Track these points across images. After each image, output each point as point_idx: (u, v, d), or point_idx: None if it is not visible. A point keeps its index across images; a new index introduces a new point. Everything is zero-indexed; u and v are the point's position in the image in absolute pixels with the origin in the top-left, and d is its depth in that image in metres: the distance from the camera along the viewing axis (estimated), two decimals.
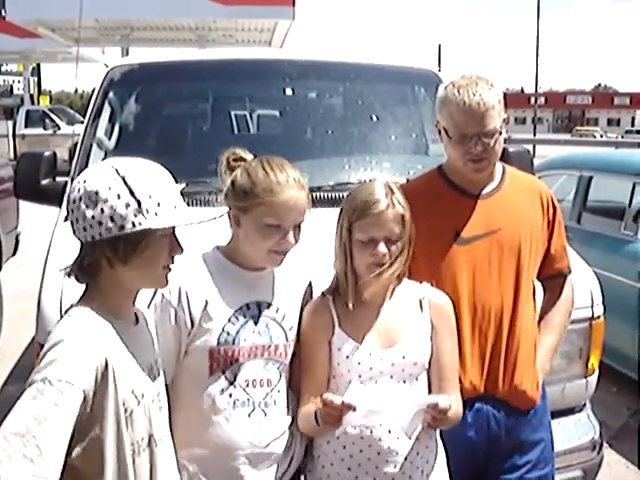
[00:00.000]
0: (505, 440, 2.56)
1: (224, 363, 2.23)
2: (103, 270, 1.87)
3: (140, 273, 1.90)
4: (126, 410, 1.82)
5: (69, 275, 1.90)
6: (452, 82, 2.51)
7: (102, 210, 1.81)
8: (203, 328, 2.21)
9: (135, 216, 1.82)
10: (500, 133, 2.48)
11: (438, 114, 2.56)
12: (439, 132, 2.57)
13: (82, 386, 1.70)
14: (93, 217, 1.81)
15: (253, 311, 2.27)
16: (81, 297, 1.92)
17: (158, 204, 1.84)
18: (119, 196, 1.81)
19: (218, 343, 2.21)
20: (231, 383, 2.24)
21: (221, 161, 2.31)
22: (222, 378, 2.23)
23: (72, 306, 1.90)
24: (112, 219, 1.81)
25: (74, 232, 1.88)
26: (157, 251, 1.89)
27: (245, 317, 2.25)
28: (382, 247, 2.23)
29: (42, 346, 2.65)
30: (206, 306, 2.21)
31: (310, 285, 2.45)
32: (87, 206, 1.82)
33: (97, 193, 1.81)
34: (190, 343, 2.22)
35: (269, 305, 2.30)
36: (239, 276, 2.29)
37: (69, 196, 1.89)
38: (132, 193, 1.82)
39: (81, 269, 1.88)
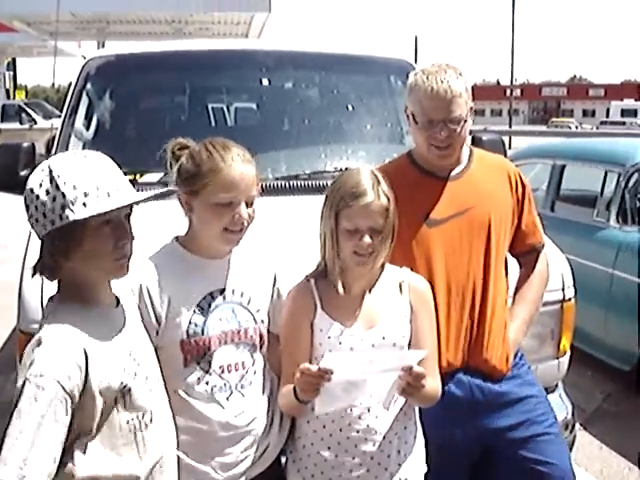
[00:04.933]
0: (490, 403, 2.61)
1: (197, 353, 2.26)
2: (60, 263, 1.88)
3: (88, 266, 1.89)
4: (124, 386, 1.87)
5: (34, 274, 1.92)
6: (422, 69, 2.58)
7: (36, 207, 1.84)
8: (171, 323, 2.25)
9: (62, 209, 1.82)
10: (465, 121, 2.55)
11: (407, 99, 2.63)
12: (407, 117, 2.65)
13: (55, 377, 1.74)
14: (31, 216, 1.86)
15: (217, 299, 2.31)
16: (57, 291, 1.95)
17: (85, 194, 1.83)
18: (47, 191, 1.83)
19: (188, 335, 2.25)
20: (206, 372, 2.28)
21: (167, 153, 2.34)
22: (197, 368, 2.27)
23: (50, 299, 1.95)
24: (44, 215, 1.83)
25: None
26: (97, 242, 1.87)
27: (210, 306, 2.29)
28: (367, 238, 2.26)
29: (24, 333, 2.71)
30: (170, 302, 2.24)
31: (279, 268, 2.48)
32: (28, 205, 1.86)
33: (32, 191, 1.85)
34: (161, 339, 2.25)
35: (233, 290, 2.34)
36: (199, 266, 2.32)
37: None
38: (57, 187, 1.83)
39: (42, 266, 1.90)
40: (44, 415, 1.72)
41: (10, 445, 1.68)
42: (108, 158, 1.96)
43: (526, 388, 2.69)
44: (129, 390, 1.90)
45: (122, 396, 1.88)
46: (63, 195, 1.81)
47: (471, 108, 2.58)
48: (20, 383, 1.75)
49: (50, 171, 1.85)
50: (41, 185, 1.84)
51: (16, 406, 1.73)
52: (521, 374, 2.71)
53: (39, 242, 1.90)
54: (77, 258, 1.86)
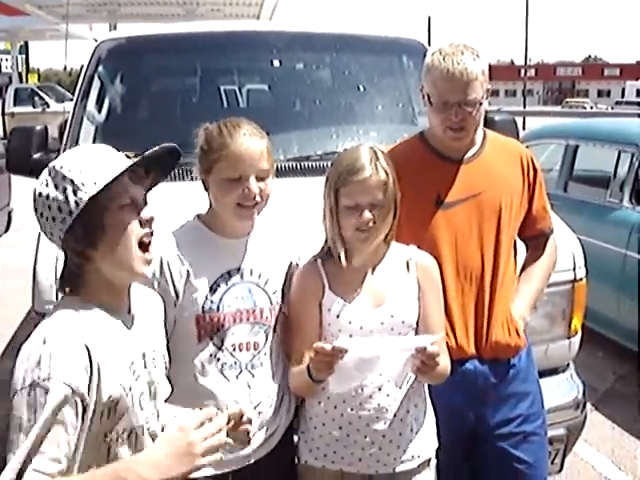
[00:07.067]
0: (492, 394, 2.63)
1: (211, 329, 2.30)
2: (84, 267, 1.85)
3: (114, 257, 1.84)
4: (112, 401, 1.81)
5: (64, 291, 1.88)
6: (439, 49, 2.55)
7: (49, 207, 1.80)
8: (188, 298, 2.28)
9: (75, 194, 1.79)
10: (481, 104, 2.53)
11: (423, 80, 2.61)
12: (423, 97, 2.63)
13: (64, 380, 1.70)
14: (47, 219, 1.82)
15: (234, 277, 2.34)
16: (65, 294, 1.90)
17: (93, 174, 1.80)
18: (56, 186, 1.80)
19: (203, 311, 2.29)
20: (219, 348, 2.31)
21: (198, 138, 2.34)
22: (210, 344, 2.31)
23: (57, 305, 1.88)
24: (60, 209, 1.80)
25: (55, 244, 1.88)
26: (121, 225, 1.84)
27: (227, 284, 2.32)
28: (367, 213, 2.28)
29: (39, 314, 2.74)
30: (188, 277, 2.28)
31: (296, 251, 2.50)
32: (42, 213, 1.82)
33: (40, 194, 1.82)
34: (177, 313, 2.28)
35: (251, 271, 2.37)
36: (219, 243, 2.35)
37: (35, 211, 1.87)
38: (64, 177, 1.80)
39: (67, 276, 1.88)
40: (52, 421, 1.67)
41: (20, 450, 1.64)
42: (107, 146, 1.93)
43: (527, 384, 2.71)
44: (116, 404, 1.83)
45: (107, 410, 1.81)
46: (72, 181, 1.79)
47: (487, 90, 2.56)
48: (21, 381, 1.70)
49: (52, 168, 1.83)
50: (47, 184, 1.81)
51: (18, 408, 1.68)
52: (525, 367, 2.71)
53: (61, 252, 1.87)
54: (105, 246, 1.82)
